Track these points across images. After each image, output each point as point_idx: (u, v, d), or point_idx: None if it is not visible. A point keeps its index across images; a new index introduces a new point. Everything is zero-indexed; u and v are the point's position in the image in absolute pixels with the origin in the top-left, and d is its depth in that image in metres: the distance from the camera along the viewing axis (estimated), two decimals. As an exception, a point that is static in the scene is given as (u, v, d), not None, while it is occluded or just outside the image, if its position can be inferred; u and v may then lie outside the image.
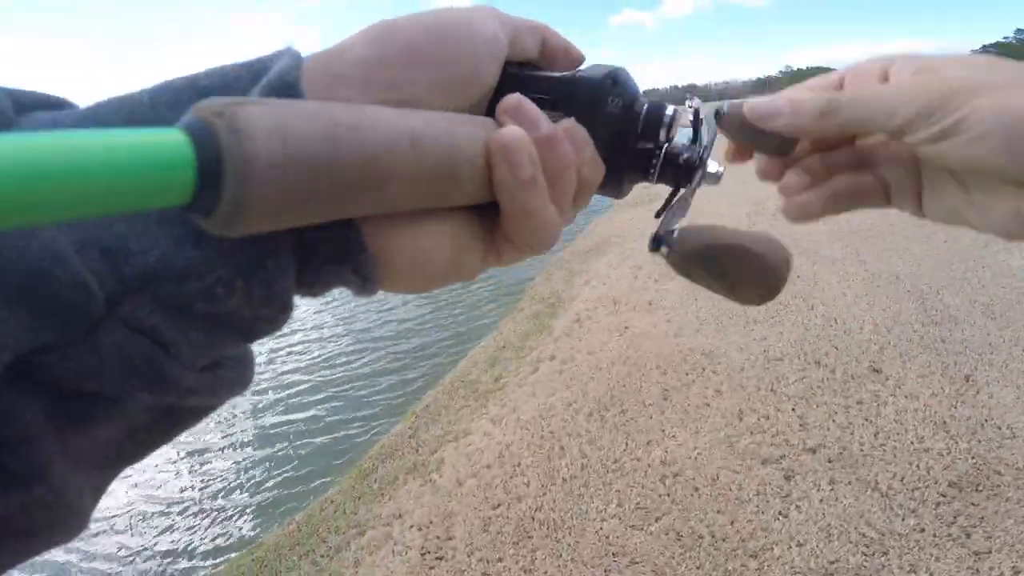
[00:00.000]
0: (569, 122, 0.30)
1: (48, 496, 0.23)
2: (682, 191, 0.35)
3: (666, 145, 0.33)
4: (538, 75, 0.33)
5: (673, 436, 3.05)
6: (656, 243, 0.34)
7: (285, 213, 0.21)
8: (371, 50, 0.27)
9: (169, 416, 0.27)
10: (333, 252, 0.26)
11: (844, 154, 0.38)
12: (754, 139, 0.36)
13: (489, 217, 0.29)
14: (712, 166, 0.34)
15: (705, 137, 0.35)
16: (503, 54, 0.30)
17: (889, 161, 0.36)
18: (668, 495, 2.67)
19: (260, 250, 0.24)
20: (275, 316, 0.26)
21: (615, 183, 0.34)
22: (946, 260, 4.79)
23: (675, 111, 0.33)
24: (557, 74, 0.33)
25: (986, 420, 2.75)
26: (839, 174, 0.37)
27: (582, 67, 0.34)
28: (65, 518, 0.24)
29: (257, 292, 0.24)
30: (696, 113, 0.34)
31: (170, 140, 0.18)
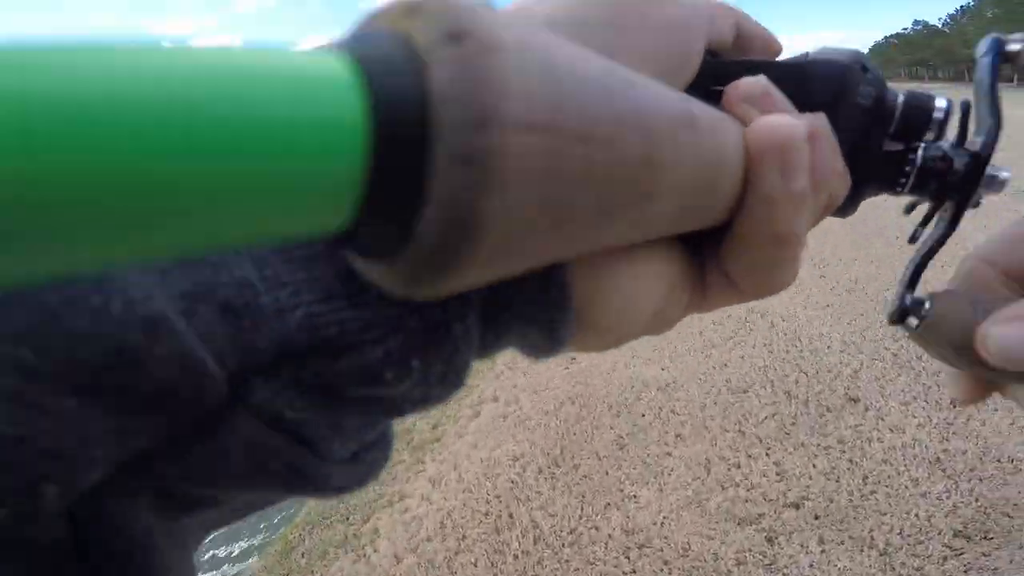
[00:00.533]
0: (818, 116, 0.22)
1: None
2: (947, 206, 0.28)
3: (922, 147, 0.26)
4: (751, 61, 0.25)
5: (634, 497, 2.65)
6: (902, 314, 0.28)
7: (508, 265, 0.13)
8: (568, 4, 0.20)
9: None
10: (528, 306, 0.19)
11: None
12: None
13: (692, 248, 0.22)
14: (997, 170, 0.26)
15: (983, 127, 0.26)
16: (707, 35, 0.24)
17: None
18: (634, 572, 2.28)
19: (445, 310, 0.17)
20: (447, 395, 0.19)
21: (852, 198, 0.25)
22: (901, 260, 4.53)
23: (950, 104, 0.25)
24: (781, 60, 0.26)
25: (984, 453, 2.43)
26: None
27: (808, 52, 0.26)
28: None
29: (436, 370, 0.18)
30: (966, 108, 0.26)
31: (315, 80, 0.09)
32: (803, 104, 0.22)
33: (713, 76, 0.23)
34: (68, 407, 0.13)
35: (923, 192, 0.27)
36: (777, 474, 2.57)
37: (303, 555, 2.99)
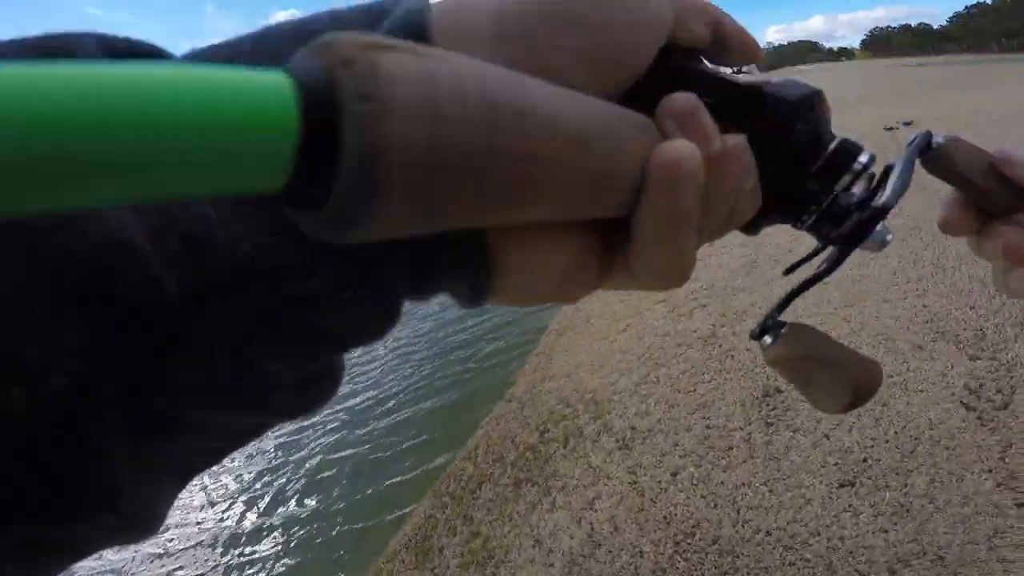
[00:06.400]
0: (739, 139, 0.24)
1: (117, 523, 0.20)
2: (829, 251, 0.30)
3: (838, 193, 0.28)
4: (707, 71, 0.27)
5: None
6: (761, 331, 0.32)
7: (409, 223, 0.17)
8: (516, 0, 0.22)
9: (252, 428, 0.23)
10: (451, 259, 0.22)
11: None
12: (984, 191, 0.33)
13: (610, 233, 0.25)
14: (882, 232, 0.29)
15: (891, 189, 0.29)
16: (665, 32, 0.25)
17: None
18: None
19: (374, 251, 0.20)
20: (381, 329, 0.22)
21: (758, 221, 0.29)
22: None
23: (872, 158, 0.28)
24: (736, 79, 0.27)
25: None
26: None
27: (771, 79, 0.28)
28: (134, 535, 0.21)
29: (366, 304, 0.21)
30: (887, 169, 0.30)
31: (264, 86, 0.14)
32: (742, 124, 0.25)
33: (670, 79, 0.24)
34: (43, 317, 0.15)
35: (818, 232, 0.29)
36: None
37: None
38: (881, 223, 0.28)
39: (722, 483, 2.51)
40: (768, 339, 0.31)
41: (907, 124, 8.29)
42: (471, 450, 3.98)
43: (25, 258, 0.15)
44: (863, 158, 0.27)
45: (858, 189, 0.28)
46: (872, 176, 0.28)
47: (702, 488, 2.54)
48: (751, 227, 0.29)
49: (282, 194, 0.14)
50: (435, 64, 0.16)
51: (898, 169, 0.29)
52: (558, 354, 4.77)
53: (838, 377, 0.29)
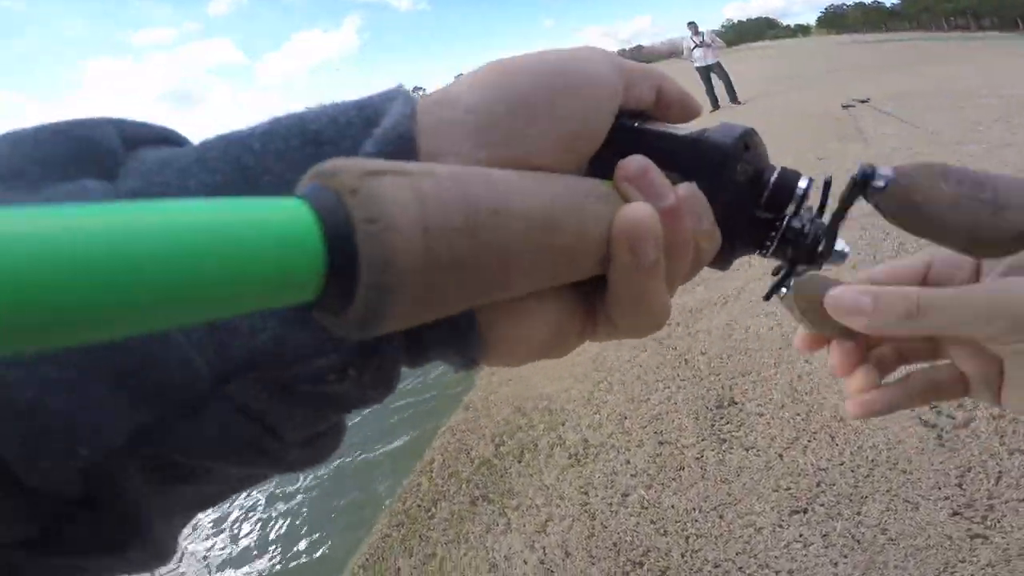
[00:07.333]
0: (690, 188, 0.26)
1: (141, 556, 0.22)
2: (800, 269, 0.33)
3: (788, 218, 0.30)
4: (655, 130, 0.29)
5: None
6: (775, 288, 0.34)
7: (417, 316, 0.19)
8: (486, 97, 0.25)
9: (259, 477, 0.26)
10: (443, 337, 0.25)
11: (921, 343, 0.36)
12: (829, 325, 0.35)
13: (589, 291, 0.27)
14: (840, 244, 0.31)
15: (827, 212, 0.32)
16: (618, 102, 0.27)
17: (970, 354, 0.34)
18: None
19: (375, 338, 0.22)
20: (381, 396, 0.25)
21: (725, 256, 0.31)
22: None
23: (810, 182, 0.29)
24: (680, 133, 0.29)
25: None
26: (912, 360, 0.37)
27: (708, 127, 0.29)
28: (153, 563, 0.23)
29: (367, 378, 0.23)
30: (827, 185, 0.32)
31: (292, 221, 0.15)
32: (690, 173, 0.27)
33: (625, 140, 0.27)
34: (103, 395, 0.18)
35: (783, 255, 0.31)
36: None
37: None
38: (840, 239, 0.31)
39: (672, 507, 2.36)
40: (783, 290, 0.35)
41: (863, 101, 8.42)
42: (427, 463, 3.79)
43: (89, 356, 0.18)
44: (802, 183, 0.29)
45: (805, 212, 0.30)
46: (827, 188, 0.31)
47: (652, 512, 2.39)
48: (722, 262, 0.31)
49: (312, 304, 0.16)
50: (422, 182, 0.18)
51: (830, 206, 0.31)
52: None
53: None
